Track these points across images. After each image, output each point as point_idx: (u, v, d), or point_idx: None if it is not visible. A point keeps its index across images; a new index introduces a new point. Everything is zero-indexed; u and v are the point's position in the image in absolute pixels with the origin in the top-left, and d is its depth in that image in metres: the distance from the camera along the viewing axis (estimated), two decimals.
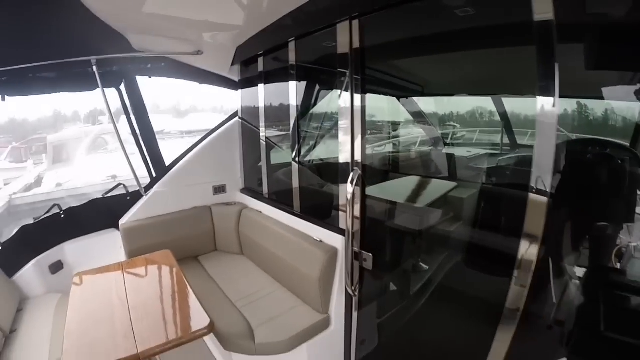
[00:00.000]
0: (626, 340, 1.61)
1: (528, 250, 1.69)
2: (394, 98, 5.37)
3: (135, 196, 3.62)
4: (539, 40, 1.56)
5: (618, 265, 2.09)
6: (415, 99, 5.50)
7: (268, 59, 3.24)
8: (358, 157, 2.17)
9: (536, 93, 1.58)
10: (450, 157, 4.84)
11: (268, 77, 3.30)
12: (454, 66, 3.88)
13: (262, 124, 3.41)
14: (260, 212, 3.43)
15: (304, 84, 3.03)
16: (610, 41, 1.79)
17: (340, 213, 2.40)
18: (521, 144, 5.79)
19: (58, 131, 13.98)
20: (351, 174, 2.04)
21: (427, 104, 5.65)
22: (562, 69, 1.57)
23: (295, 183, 2.92)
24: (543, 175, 1.60)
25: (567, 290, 2.16)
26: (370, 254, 2.16)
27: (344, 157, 2.29)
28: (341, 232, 2.36)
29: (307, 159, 3.75)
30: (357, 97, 2.16)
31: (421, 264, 3.59)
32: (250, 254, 3.53)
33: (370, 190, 3.11)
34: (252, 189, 3.86)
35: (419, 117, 5.72)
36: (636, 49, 1.81)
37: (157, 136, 3.62)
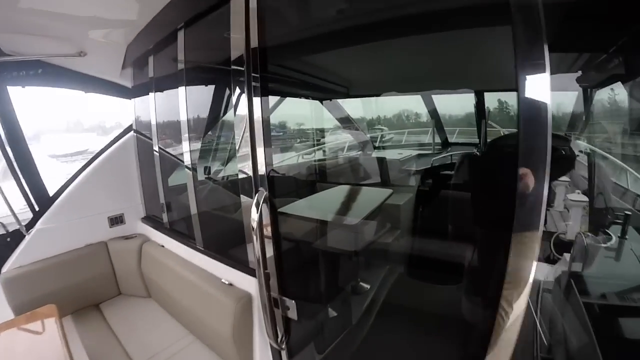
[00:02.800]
0: None
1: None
2: (317, 102, 4.87)
3: (17, 236, 2.74)
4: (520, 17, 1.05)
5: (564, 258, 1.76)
6: (340, 102, 5.04)
7: (159, 58, 2.57)
8: (262, 170, 1.55)
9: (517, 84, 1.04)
10: (381, 160, 4.38)
11: (159, 81, 2.61)
12: (382, 62, 3.45)
13: (154, 137, 2.70)
14: (163, 246, 2.72)
15: (198, 87, 2.40)
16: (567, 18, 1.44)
17: (249, 248, 1.77)
18: (453, 142, 5.55)
19: None
20: (255, 197, 1.44)
21: (353, 108, 5.24)
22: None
23: (194, 209, 2.26)
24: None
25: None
26: (293, 301, 1.55)
27: (244, 174, 1.68)
28: (253, 272, 1.73)
29: (210, 176, 3.11)
30: (257, 101, 1.54)
31: (361, 283, 3.13)
32: (158, 298, 2.81)
33: (292, 209, 2.55)
34: (154, 218, 3.10)
35: (346, 121, 5.28)
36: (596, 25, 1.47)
37: (80, 156, 2.81)
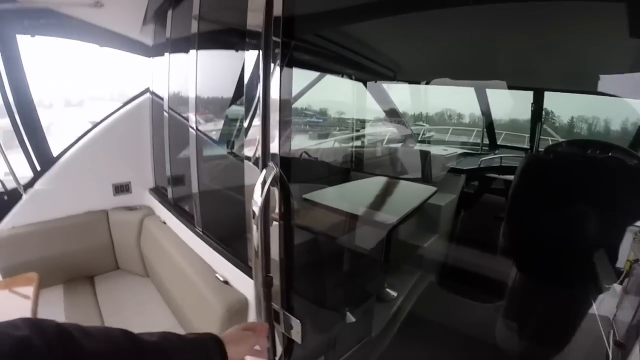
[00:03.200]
0: None
1: None
2: (360, 86, 4.42)
3: (14, 196, 2.46)
4: None
5: None
6: (386, 87, 4.56)
7: (178, 13, 2.19)
8: (275, 148, 1.13)
9: None
10: (424, 154, 3.89)
11: (177, 40, 2.22)
12: (438, 41, 2.97)
13: (165, 100, 2.34)
14: (164, 222, 2.36)
15: (224, 51, 2.00)
16: None
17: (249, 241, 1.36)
18: (500, 145, 4.98)
19: None
20: (262, 174, 1.03)
21: (398, 97, 4.76)
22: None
23: (195, 187, 1.86)
24: None
25: None
26: (298, 321, 1.13)
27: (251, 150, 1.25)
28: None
29: (233, 151, 2.74)
30: (277, 70, 1.10)
31: (388, 290, 2.71)
32: (155, 280, 2.46)
33: (315, 197, 2.14)
34: (161, 190, 2.74)
35: (390, 111, 4.80)
36: None
37: None
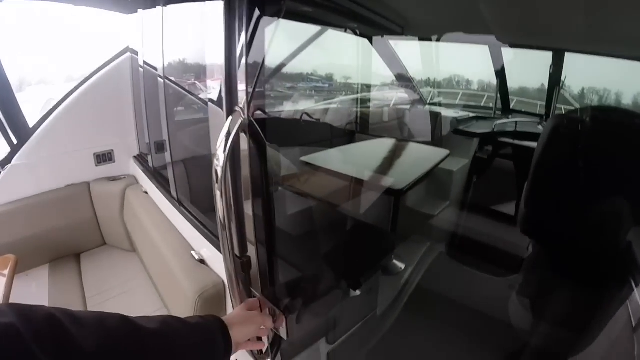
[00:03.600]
0: None
1: None
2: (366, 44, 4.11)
3: None
4: None
5: None
6: (393, 43, 4.23)
7: None
8: (242, 87, 0.84)
9: None
10: (435, 116, 3.62)
11: None
12: None
13: (140, 54, 2.07)
14: (146, 192, 2.14)
15: None
16: None
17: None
18: (514, 110, 4.70)
19: None
20: (227, 122, 0.78)
21: (405, 57, 4.45)
22: None
23: (167, 147, 1.61)
24: None
25: None
26: (283, 317, 0.89)
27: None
28: None
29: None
30: None
31: (395, 262, 2.50)
32: (140, 255, 2.27)
33: (316, 160, 1.90)
34: (145, 157, 2.50)
35: (397, 72, 4.49)
36: None
37: None
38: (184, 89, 1.74)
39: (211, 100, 0.97)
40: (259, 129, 0.80)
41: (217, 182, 0.76)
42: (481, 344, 1.81)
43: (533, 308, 1.97)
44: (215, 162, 0.75)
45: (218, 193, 0.77)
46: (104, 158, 2.56)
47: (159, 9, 1.64)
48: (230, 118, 0.79)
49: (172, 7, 1.58)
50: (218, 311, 1.18)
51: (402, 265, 2.52)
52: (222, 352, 0.69)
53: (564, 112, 3.28)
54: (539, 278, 1.97)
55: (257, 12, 0.81)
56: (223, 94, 0.87)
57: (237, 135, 0.77)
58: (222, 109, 0.92)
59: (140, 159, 2.50)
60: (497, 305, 2.24)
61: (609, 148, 1.31)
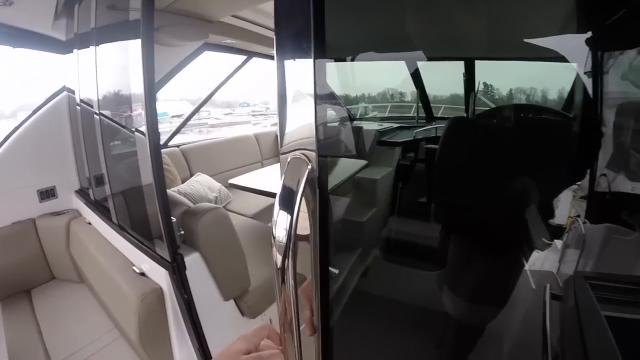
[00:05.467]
0: None
1: None
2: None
3: None
4: None
5: None
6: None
7: (84, 5, 2.07)
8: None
9: None
10: (357, 130, 3.89)
11: (83, 35, 2.08)
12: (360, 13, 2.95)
13: (76, 92, 2.22)
14: (90, 223, 2.26)
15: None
16: None
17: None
18: (438, 117, 5.09)
19: None
20: (286, 169, 0.58)
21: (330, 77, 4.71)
22: None
23: (106, 179, 1.78)
24: None
25: None
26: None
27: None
28: (165, 261, 1.27)
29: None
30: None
31: (329, 269, 2.71)
32: (88, 284, 2.36)
33: (240, 181, 2.11)
34: (86, 190, 2.60)
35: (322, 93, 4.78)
36: None
37: None
38: (117, 123, 1.90)
39: (138, 130, 1.15)
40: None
41: (280, 254, 0.52)
42: (423, 335, 2.06)
43: (460, 292, 2.25)
44: (279, 225, 0.51)
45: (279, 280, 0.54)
46: (47, 194, 2.63)
47: (92, 48, 1.80)
48: (289, 162, 0.58)
49: (104, 47, 1.75)
50: (158, 314, 1.35)
51: (335, 271, 2.73)
52: None
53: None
54: (458, 267, 2.24)
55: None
56: (278, 134, 0.63)
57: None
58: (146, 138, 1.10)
59: (82, 192, 2.60)
60: (432, 296, 2.50)
61: (498, 141, 1.62)
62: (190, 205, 1.37)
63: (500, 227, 1.67)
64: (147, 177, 1.20)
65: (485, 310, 1.85)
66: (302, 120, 0.59)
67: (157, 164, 1.11)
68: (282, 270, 0.52)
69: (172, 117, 21.83)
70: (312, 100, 0.57)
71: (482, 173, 1.67)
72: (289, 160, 0.57)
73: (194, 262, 1.15)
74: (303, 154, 0.56)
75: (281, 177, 0.56)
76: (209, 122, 24.69)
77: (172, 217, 1.19)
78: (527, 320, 1.28)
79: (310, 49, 0.58)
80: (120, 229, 1.68)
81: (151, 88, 1.02)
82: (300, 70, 0.60)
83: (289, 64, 0.57)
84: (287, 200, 0.51)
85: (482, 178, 1.67)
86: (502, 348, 1.50)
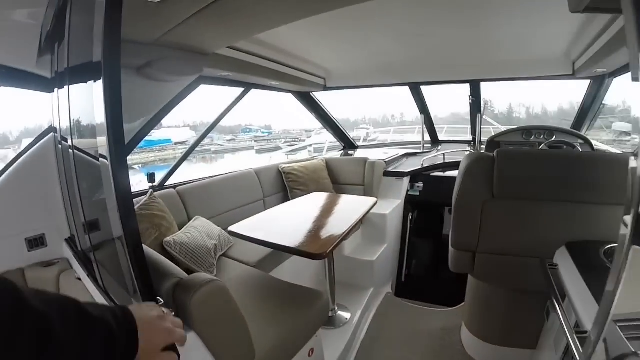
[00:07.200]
0: None
1: None
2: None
3: None
4: None
5: None
6: (317, 97, 4.39)
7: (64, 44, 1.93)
8: None
9: None
10: (363, 162, 3.74)
11: (62, 74, 1.96)
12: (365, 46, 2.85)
13: (69, 135, 2.06)
14: (79, 279, 2.06)
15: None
16: None
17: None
18: (443, 140, 4.93)
19: None
20: None
21: (333, 104, 4.60)
22: None
23: (83, 222, 1.59)
24: None
25: None
26: None
27: None
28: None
29: (155, 185, 2.47)
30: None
31: (340, 313, 2.65)
32: None
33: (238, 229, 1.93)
34: (75, 239, 2.40)
35: (326, 120, 4.66)
36: None
37: None
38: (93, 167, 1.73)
39: (102, 156, 0.95)
40: None
41: None
42: None
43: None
44: None
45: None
46: (35, 243, 2.43)
47: (65, 88, 1.64)
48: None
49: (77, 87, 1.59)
50: None
51: (347, 315, 2.52)
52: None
53: (492, 131, 3.51)
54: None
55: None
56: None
57: None
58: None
59: (71, 242, 2.41)
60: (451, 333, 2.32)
61: None
62: (183, 277, 1.17)
63: None
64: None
65: None
66: None
67: (133, 239, 0.92)
68: None
69: (176, 143, 21.94)
70: None
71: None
72: None
73: (188, 343, 0.96)
74: None
75: None
76: (212, 149, 24.88)
77: (158, 298, 1.00)
78: None
79: None
80: (105, 294, 1.48)
81: (115, 117, 0.84)
82: None
83: None
84: None
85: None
86: None
